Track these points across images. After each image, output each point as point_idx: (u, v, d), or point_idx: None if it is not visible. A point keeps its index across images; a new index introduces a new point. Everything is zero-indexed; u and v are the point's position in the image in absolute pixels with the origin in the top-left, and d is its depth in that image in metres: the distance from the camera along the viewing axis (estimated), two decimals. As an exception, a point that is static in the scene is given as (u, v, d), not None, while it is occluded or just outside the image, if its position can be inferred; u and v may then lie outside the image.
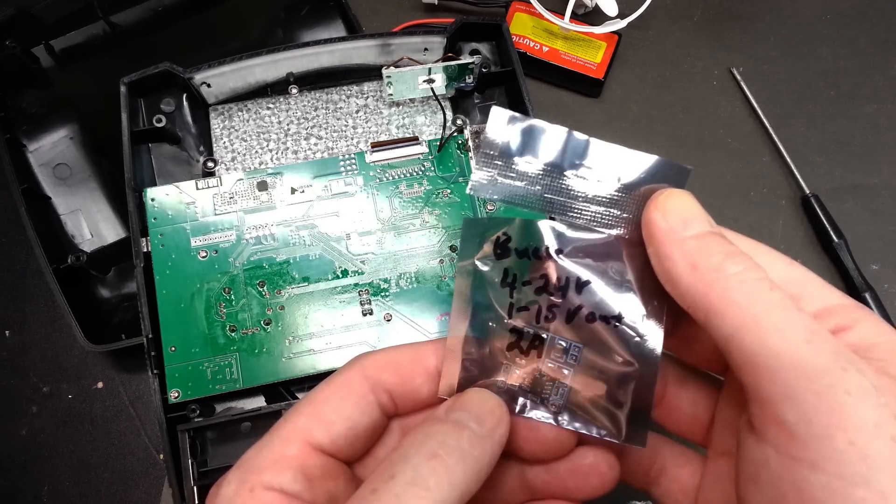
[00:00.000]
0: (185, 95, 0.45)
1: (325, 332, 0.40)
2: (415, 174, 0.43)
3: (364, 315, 0.40)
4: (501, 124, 0.24)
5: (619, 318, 0.24)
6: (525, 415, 0.24)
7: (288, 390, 0.40)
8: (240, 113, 0.46)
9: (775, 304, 0.20)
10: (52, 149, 0.49)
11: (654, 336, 0.24)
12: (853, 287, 0.49)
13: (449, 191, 0.43)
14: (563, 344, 0.25)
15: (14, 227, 0.51)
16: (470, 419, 0.23)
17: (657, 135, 0.54)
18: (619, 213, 0.24)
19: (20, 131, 0.49)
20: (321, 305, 0.40)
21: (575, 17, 0.54)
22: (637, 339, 0.24)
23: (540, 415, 0.25)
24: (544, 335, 0.25)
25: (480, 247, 0.25)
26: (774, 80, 0.56)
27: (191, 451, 0.37)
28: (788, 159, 0.53)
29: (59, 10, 0.51)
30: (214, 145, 0.45)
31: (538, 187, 0.24)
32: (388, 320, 0.40)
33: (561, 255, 0.25)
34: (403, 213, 0.43)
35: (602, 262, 0.25)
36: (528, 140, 0.24)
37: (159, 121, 0.44)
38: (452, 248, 0.42)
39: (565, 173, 0.24)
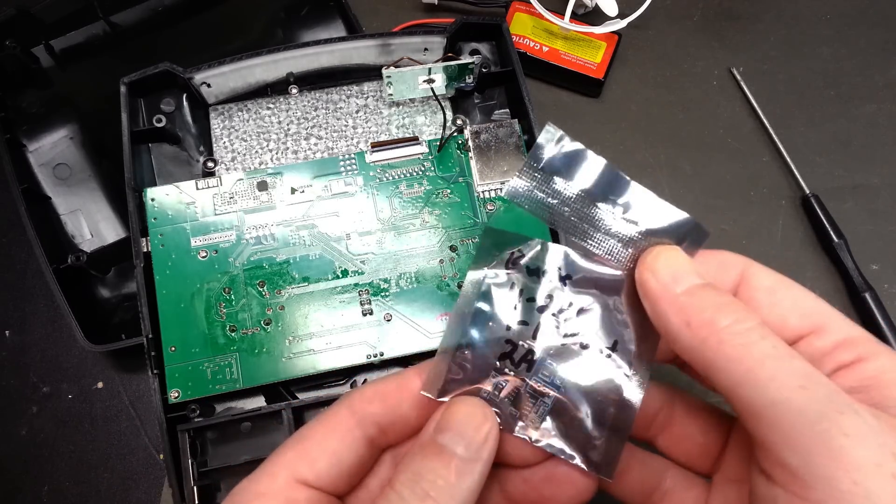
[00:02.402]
0: (185, 95, 0.45)
1: (325, 332, 0.40)
2: (415, 174, 0.43)
3: (364, 315, 0.40)
4: (552, 141, 0.25)
5: (612, 349, 0.25)
6: (500, 427, 0.25)
7: (288, 390, 0.40)
8: (240, 113, 0.46)
9: (767, 354, 0.20)
10: (52, 149, 0.49)
11: (640, 374, 0.25)
12: (853, 287, 0.49)
13: (449, 191, 0.43)
14: (553, 365, 0.26)
15: (14, 227, 0.51)
16: (457, 442, 0.23)
17: (657, 135, 0.54)
18: (632, 252, 0.25)
19: (20, 131, 0.49)
20: (321, 305, 0.40)
21: (575, 17, 0.54)
22: (624, 373, 0.25)
23: (517, 430, 0.25)
24: (537, 352, 0.26)
25: (495, 257, 0.27)
26: (774, 80, 0.56)
27: (191, 451, 0.37)
28: (788, 159, 0.53)
29: (59, 10, 0.51)
30: (214, 145, 0.45)
31: (567, 209, 0.25)
32: (388, 320, 0.40)
33: (568, 282, 0.26)
34: (403, 213, 0.43)
35: (606, 295, 0.26)
36: (571, 163, 0.25)
37: (159, 121, 0.44)
38: (452, 248, 0.42)
39: (596, 203, 0.25)
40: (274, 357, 0.39)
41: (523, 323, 0.26)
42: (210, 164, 0.44)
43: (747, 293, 0.24)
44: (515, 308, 0.26)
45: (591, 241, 0.25)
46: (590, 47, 0.54)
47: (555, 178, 0.25)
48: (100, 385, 0.48)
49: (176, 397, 0.38)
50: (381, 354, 0.40)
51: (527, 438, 0.25)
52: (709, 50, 0.57)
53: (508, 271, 0.26)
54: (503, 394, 0.25)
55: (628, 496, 0.27)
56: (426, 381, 0.25)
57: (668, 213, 0.25)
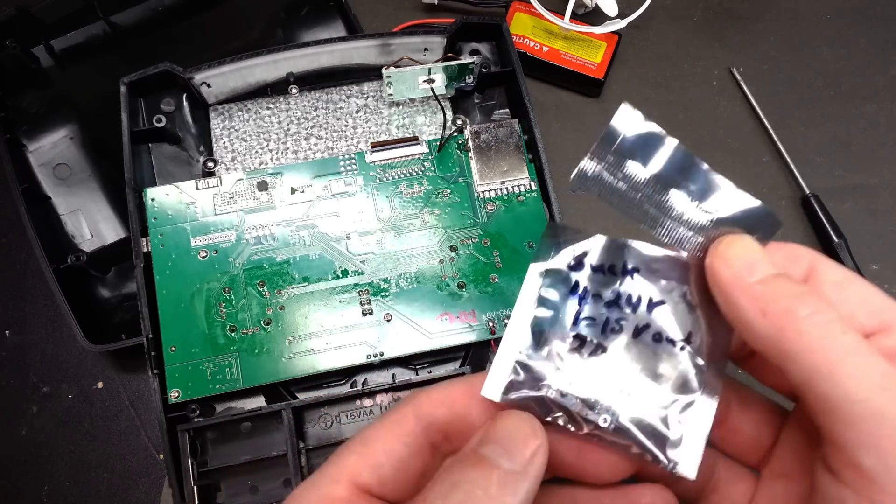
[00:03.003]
0: (185, 95, 0.45)
1: (325, 332, 0.40)
2: (415, 174, 0.43)
3: (364, 315, 0.40)
4: (627, 122, 0.23)
5: (686, 341, 0.24)
6: (568, 426, 0.24)
7: (288, 390, 0.40)
8: (240, 113, 0.46)
9: (849, 349, 0.20)
10: (52, 149, 0.49)
11: (717, 365, 0.24)
12: (853, 287, 0.49)
13: (449, 191, 0.43)
14: (625, 359, 0.24)
15: (14, 227, 0.51)
16: (501, 454, 0.22)
17: (657, 135, 0.54)
18: (703, 241, 0.24)
19: (20, 131, 0.49)
20: (321, 305, 0.40)
21: (575, 17, 0.54)
22: (701, 365, 0.24)
23: (586, 429, 0.24)
24: (608, 346, 0.24)
25: (557, 252, 0.25)
26: (774, 80, 0.56)
27: (191, 451, 0.37)
28: (788, 159, 0.53)
29: (59, 10, 0.51)
30: (214, 145, 0.45)
31: (638, 194, 0.24)
32: (388, 320, 0.40)
33: (636, 274, 0.25)
34: (403, 213, 0.43)
35: (676, 286, 0.24)
36: (645, 145, 0.23)
37: (159, 121, 0.44)
38: (452, 248, 0.42)
39: (669, 189, 0.24)
40: (274, 357, 0.39)
41: (590, 319, 0.25)
42: (210, 164, 0.44)
43: (815, 287, 0.23)
44: (581, 303, 0.25)
45: (660, 229, 0.24)
46: (590, 47, 0.54)
47: (627, 161, 0.23)
48: (100, 385, 0.48)
49: (176, 397, 0.38)
50: (381, 354, 0.40)
51: (594, 439, 0.24)
52: (709, 50, 0.57)
53: (571, 268, 0.25)
54: (569, 390, 0.24)
55: (682, 490, 0.26)
56: (488, 383, 0.24)
57: (742, 201, 0.23)
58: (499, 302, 0.41)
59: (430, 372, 0.41)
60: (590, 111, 0.55)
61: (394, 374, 0.41)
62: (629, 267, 0.25)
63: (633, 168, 0.24)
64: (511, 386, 0.24)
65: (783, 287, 0.21)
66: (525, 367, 0.24)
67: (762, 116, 0.54)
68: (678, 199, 0.24)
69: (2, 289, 0.51)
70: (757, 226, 0.23)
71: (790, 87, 0.56)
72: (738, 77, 0.56)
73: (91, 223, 0.48)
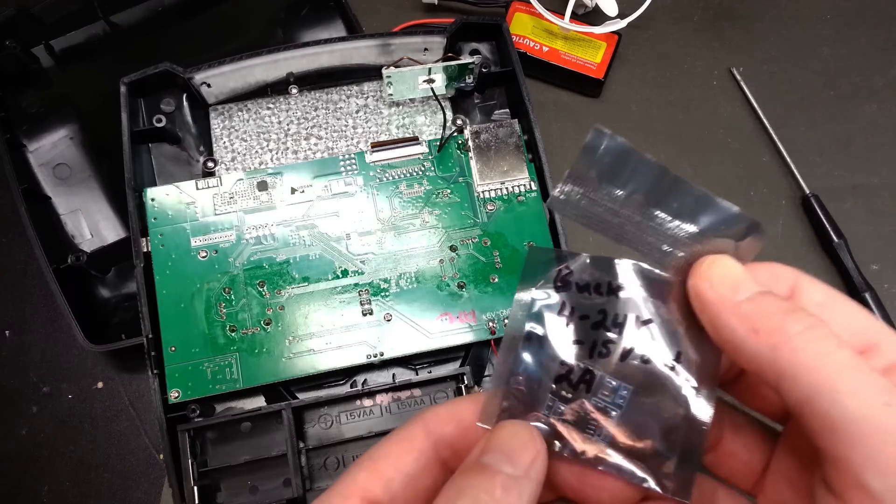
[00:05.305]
0: (185, 95, 0.45)
1: (325, 332, 0.40)
2: (415, 174, 0.43)
3: (364, 315, 0.40)
4: (599, 145, 0.23)
5: (675, 360, 0.24)
6: (564, 454, 0.24)
7: (288, 390, 0.40)
8: (240, 113, 0.46)
9: (847, 365, 0.19)
10: (52, 149, 0.49)
11: (708, 385, 0.23)
12: (853, 287, 0.49)
13: (449, 191, 0.43)
14: (613, 383, 0.24)
15: (14, 227, 0.51)
16: (502, 460, 0.22)
17: (657, 135, 0.54)
18: (686, 257, 0.23)
19: (20, 131, 0.49)
20: (321, 305, 0.40)
21: (575, 17, 0.54)
22: (691, 386, 0.24)
23: (580, 454, 0.24)
24: (596, 371, 0.24)
25: (542, 276, 0.25)
26: (774, 80, 0.56)
27: (191, 451, 0.37)
28: (788, 159, 0.53)
29: (59, 10, 0.51)
30: (214, 145, 0.45)
31: (615, 216, 0.23)
32: (388, 320, 0.40)
33: (621, 293, 0.24)
34: (403, 213, 0.43)
35: (663, 305, 0.24)
36: (619, 165, 0.23)
37: (159, 121, 0.44)
38: (452, 248, 0.42)
39: (647, 207, 0.23)
40: (274, 357, 0.39)
41: (578, 342, 0.24)
42: (210, 164, 0.44)
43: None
44: (568, 326, 0.25)
45: (642, 248, 0.24)
46: (590, 47, 0.54)
47: (602, 183, 0.23)
48: (100, 385, 0.48)
49: (176, 397, 0.38)
50: (381, 354, 0.40)
51: (591, 462, 0.24)
52: (709, 50, 0.57)
53: (557, 289, 0.25)
54: (563, 419, 0.24)
55: None
56: (481, 413, 0.24)
57: (723, 213, 0.23)
58: (499, 302, 0.41)
59: (430, 372, 0.41)
60: (590, 111, 0.55)
61: (394, 374, 0.41)
62: (615, 285, 0.24)
63: (609, 190, 0.23)
64: (503, 413, 0.24)
65: (772, 304, 0.21)
66: (516, 393, 0.24)
67: (762, 116, 0.54)
68: (658, 218, 0.23)
69: (2, 289, 0.51)
70: (743, 236, 0.23)
71: (790, 87, 0.56)
72: (738, 77, 0.56)
73: (91, 223, 0.48)
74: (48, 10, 0.51)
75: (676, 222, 0.23)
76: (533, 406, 0.24)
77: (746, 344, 0.21)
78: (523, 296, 0.25)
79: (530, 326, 0.25)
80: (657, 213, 0.23)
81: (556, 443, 0.24)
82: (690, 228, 0.23)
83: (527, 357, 0.25)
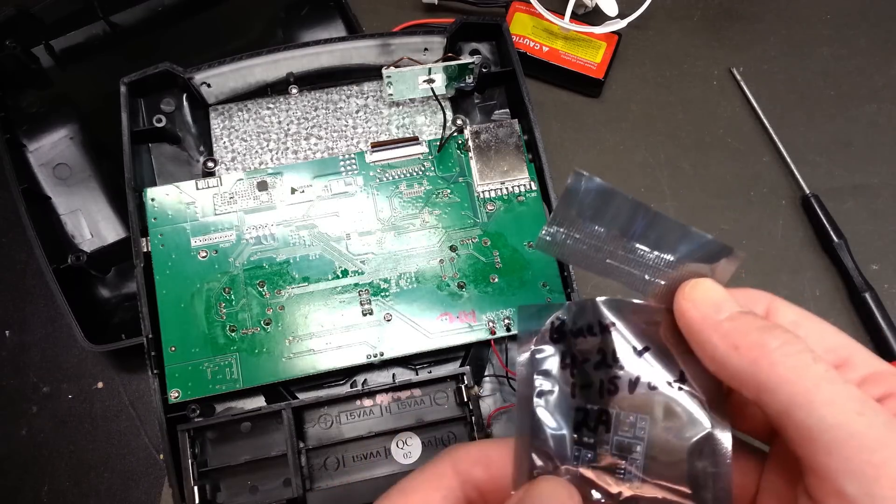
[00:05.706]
0: (185, 95, 0.45)
1: (325, 332, 0.40)
2: (415, 174, 0.43)
3: (364, 315, 0.40)
4: (580, 185, 0.24)
5: (680, 381, 0.25)
6: (602, 501, 0.24)
7: (288, 390, 0.40)
8: (240, 113, 0.46)
9: (823, 377, 0.20)
10: (52, 149, 0.49)
11: (717, 399, 0.24)
12: (853, 287, 0.49)
13: (449, 191, 0.43)
14: (631, 418, 0.25)
15: (14, 227, 0.51)
16: None
17: (657, 135, 0.54)
18: (669, 285, 0.25)
19: (20, 131, 0.49)
20: (321, 305, 0.40)
21: (575, 17, 0.54)
22: (701, 401, 0.24)
23: (618, 494, 0.24)
24: (611, 410, 0.25)
25: (535, 333, 0.26)
26: (774, 80, 0.56)
27: (191, 451, 0.37)
28: (788, 159, 0.53)
29: (59, 10, 0.51)
30: (214, 145, 0.45)
31: (598, 253, 0.25)
32: (388, 320, 0.40)
33: (615, 328, 0.25)
34: (403, 213, 0.43)
35: (654, 331, 0.25)
36: (600, 205, 0.24)
37: (159, 121, 0.44)
38: (452, 248, 0.42)
39: (628, 242, 0.25)
40: (274, 357, 0.39)
41: (586, 386, 0.25)
42: (210, 164, 0.44)
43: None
44: (574, 374, 0.25)
45: (626, 279, 0.25)
46: (590, 47, 0.54)
47: (585, 222, 0.24)
48: (100, 385, 0.48)
49: (176, 397, 0.38)
50: (381, 354, 0.40)
51: (629, 502, 0.24)
52: (709, 50, 0.57)
53: (554, 342, 0.26)
54: (592, 464, 0.25)
55: None
56: (515, 479, 0.25)
57: (698, 240, 0.24)
58: (499, 302, 0.41)
59: (430, 372, 0.41)
60: (590, 111, 0.55)
61: (394, 374, 0.41)
62: (605, 323, 0.25)
63: (591, 228, 0.25)
64: (537, 474, 0.25)
65: (751, 322, 0.22)
66: (543, 453, 0.25)
67: (762, 116, 0.54)
68: (638, 250, 0.25)
69: (2, 289, 0.51)
70: (714, 258, 0.24)
71: (790, 87, 0.56)
72: (738, 77, 0.56)
73: (91, 223, 0.48)
74: (48, 10, 0.51)
75: (656, 253, 0.25)
76: (562, 459, 0.25)
77: (728, 360, 0.22)
78: (524, 356, 0.26)
79: (539, 384, 0.26)
80: (638, 246, 0.25)
81: (593, 492, 0.24)
82: (669, 258, 0.24)
83: (542, 413, 0.25)
